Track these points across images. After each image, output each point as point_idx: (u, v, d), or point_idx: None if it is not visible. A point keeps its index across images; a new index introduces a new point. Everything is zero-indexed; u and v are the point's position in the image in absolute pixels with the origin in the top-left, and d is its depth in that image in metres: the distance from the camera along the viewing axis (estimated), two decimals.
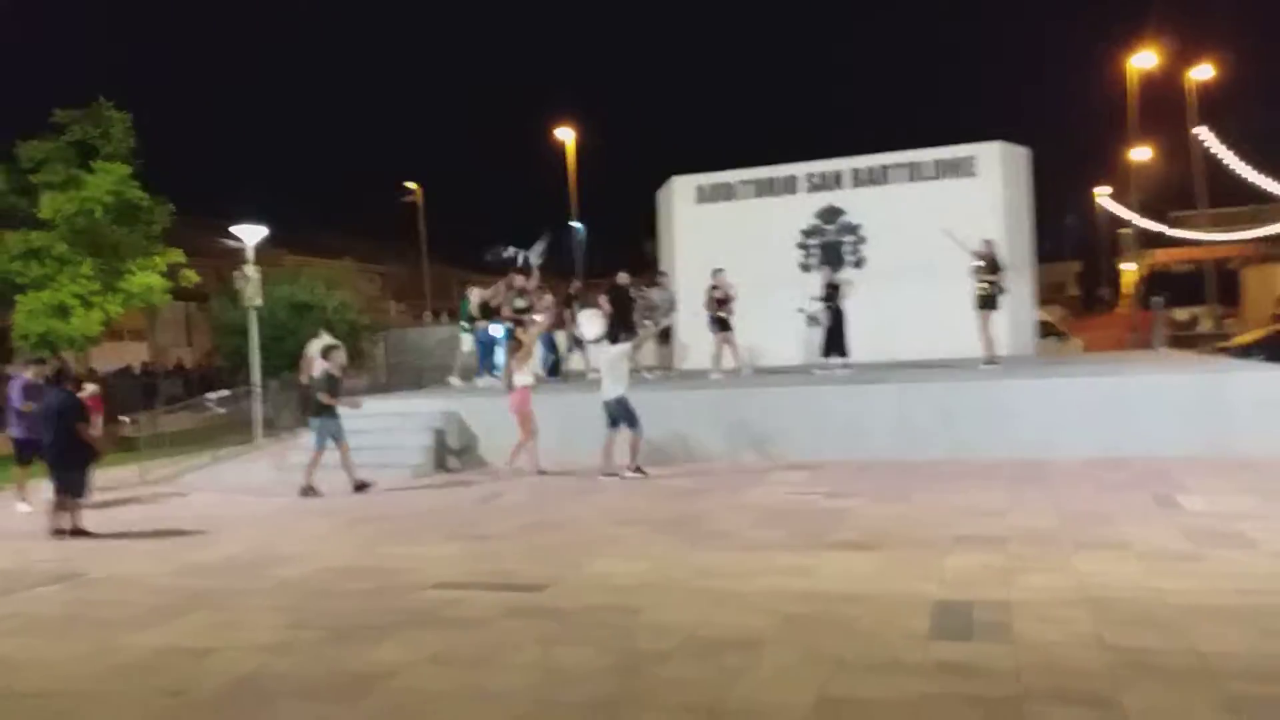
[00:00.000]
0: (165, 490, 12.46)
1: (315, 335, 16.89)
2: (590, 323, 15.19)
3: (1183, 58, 29.54)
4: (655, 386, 12.93)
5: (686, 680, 4.57)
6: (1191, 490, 8.81)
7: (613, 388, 10.87)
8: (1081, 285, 52.80)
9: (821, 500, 9.22)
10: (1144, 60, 27.63)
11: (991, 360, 12.57)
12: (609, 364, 11.07)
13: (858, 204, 17.84)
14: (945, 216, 15.85)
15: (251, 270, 17.62)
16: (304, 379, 16.30)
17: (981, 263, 12.62)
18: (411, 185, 38.87)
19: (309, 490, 10.89)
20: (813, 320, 13.96)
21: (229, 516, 10.07)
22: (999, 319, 12.97)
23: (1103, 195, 39.84)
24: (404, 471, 11.93)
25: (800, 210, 18.16)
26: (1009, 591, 5.84)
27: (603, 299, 15.10)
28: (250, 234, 17.79)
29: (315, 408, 11.08)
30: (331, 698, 4.53)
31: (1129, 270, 47.39)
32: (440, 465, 12.65)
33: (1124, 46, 29.05)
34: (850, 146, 18.48)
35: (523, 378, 11.65)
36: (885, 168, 17.74)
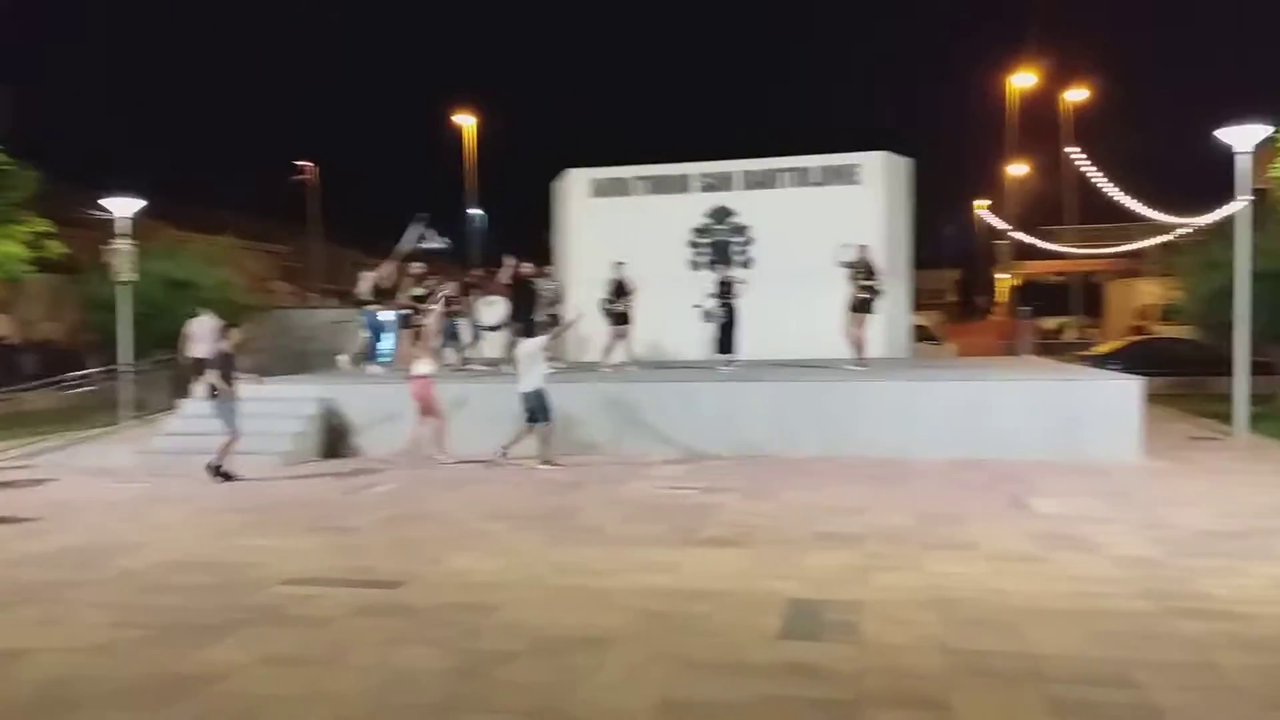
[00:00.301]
0: (13, 474, 11.70)
1: (194, 313, 16.38)
2: (490, 310, 14.86)
3: (1059, 79, 30.93)
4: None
5: (527, 683, 4.49)
6: (1043, 493, 9.20)
7: (529, 380, 10.90)
8: (960, 292, 54.81)
9: (696, 495, 9.28)
10: (1022, 80, 28.76)
11: (858, 362, 12.89)
12: (526, 356, 11.05)
13: (747, 206, 18.06)
14: (830, 221, 16.25)
15: (123, 244, 16.74)
16: (182, 358, 15.88)
17: (857, 268, 12.88)
18: (306, 163, 37.42)
19: (220, 472, 10.47)
20: (710, 316, 14.04)
21: (78, 502, 9.51)
22: (871, 323, 13.28)
23: (982, 207, 41.42)
24: (273, 459, 11.48)
25: (692, 209, 18.28)
26: (862, 591, 5.96)
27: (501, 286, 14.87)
28: (123, 206, 16.88)
29: (212, 389, 10.59)
30: (147, 703, 4.28)
31: (1005, 279, 49.44)
32: (322, 453, 12.24)
33: (1005, 65, 30.18)
34: (743, 149, 18.52)
35: (423, 365, 11.43)
36: (774, 171, 18.00)
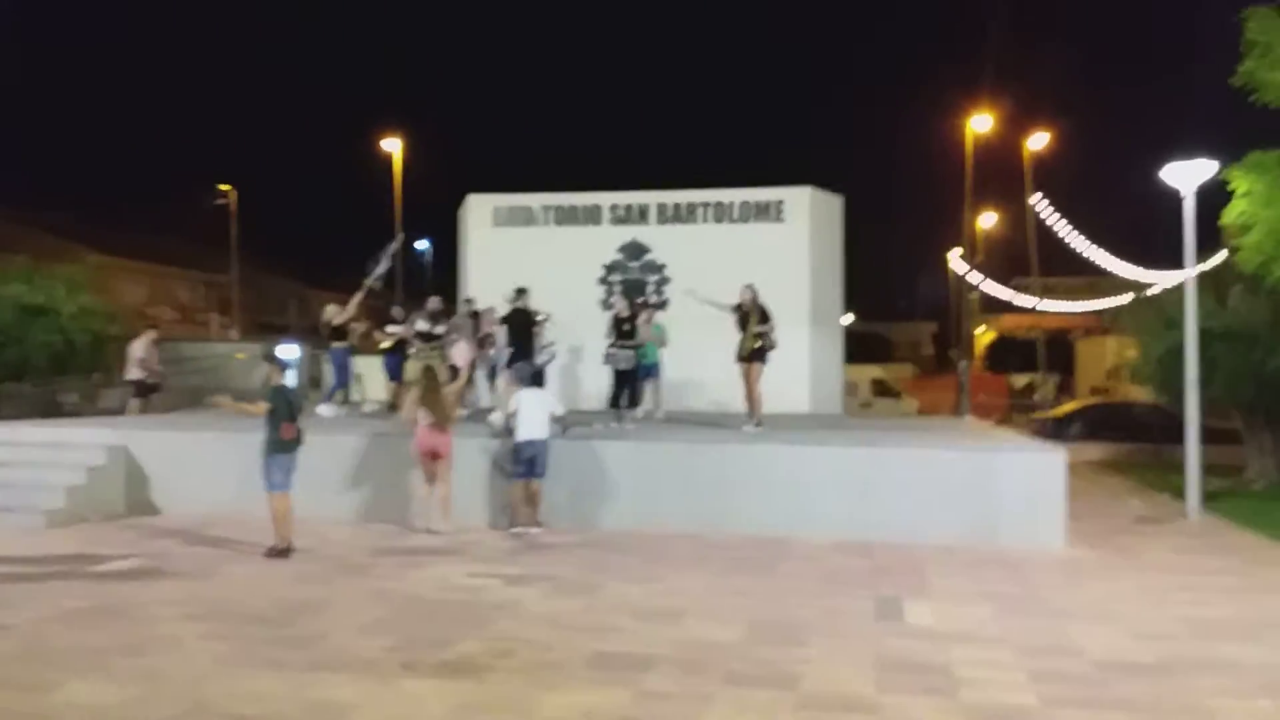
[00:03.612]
0: None
1: (140, 332, 15.28)
2: (455, 351, 12.97)
3: (1023, 125, 29.65)
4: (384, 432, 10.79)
5: None
6: (927, 591, 7.41)
7: (542, 427, 9.43)
8: (936, 345, 53.36)
9: (494, 587, 7.43)
10: (981, 123, 27.37)
11: (757, 421, 11.05)
12: (538, 399, 9.52)
13: (663, 241, 16.40)
14: (752, 261, 14.55)
15: None
16: (129, 377, 14.71)
17: (742, 312, 11.11)
18: (225, 187, 35.74)
19: (283, 549, 8.43)
20: (612, 359, 12.19)
21: None
22: (765, 374, 11.42)
23: (954, 258, 39.94)
24: (36, 518, 9.58)
25: (603, 243, 16.62)
26: None
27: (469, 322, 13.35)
28: None
29: (273, 443, 8.40)
30: None
31: (984, 333, 47.86)
32: (114, 511, 10.30)
33: (969, 109, 28.79)
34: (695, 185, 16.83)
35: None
36: (692, 205, 16.35)
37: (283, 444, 8.43)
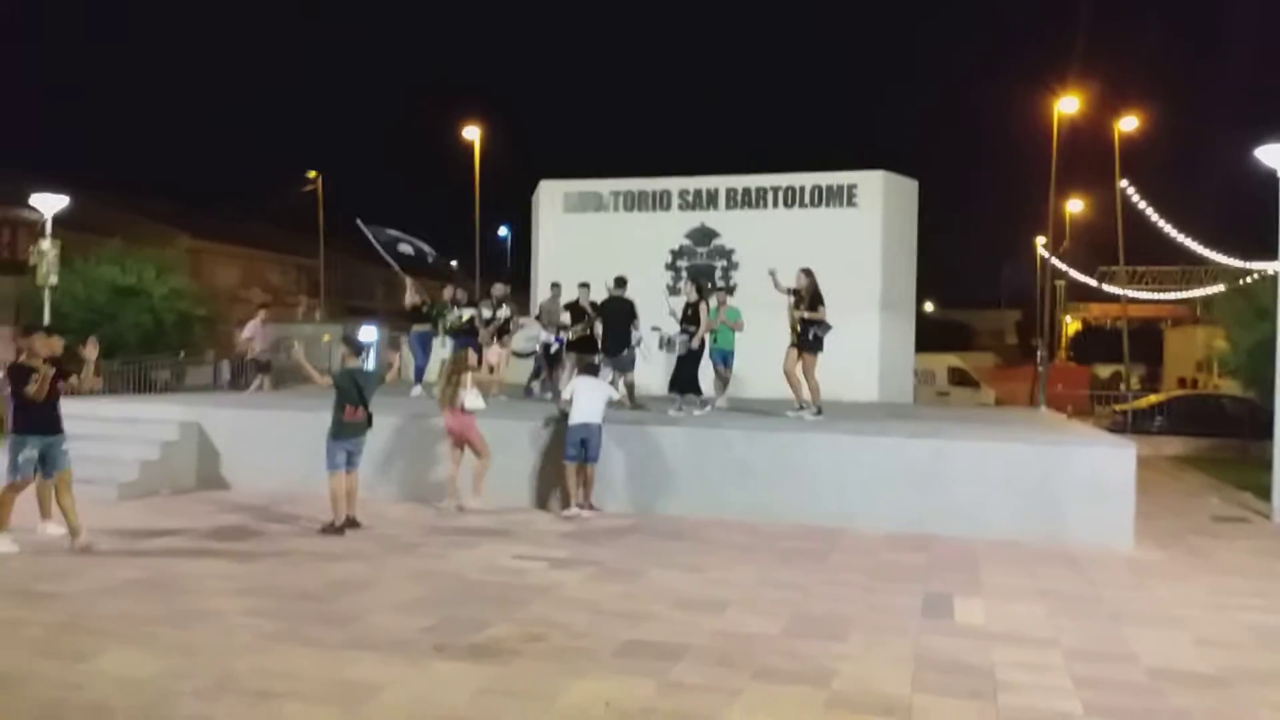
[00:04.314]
0: None
1: (255, 312, 15.78)
2: (521, 334, 13.17)
3: (1112, 106, 28.42)
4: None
5: None
6: (981, 589, 7.18)
7: (597, 412, 9.64)
8: (1020, 334, 51.85)
9: (538, 570, 7.45)
10: (1068, 105, 26.26)
11: (817, 410, 10.81)
12: (594, 386, 9.77)
13: (732, 226, 16.21)
14: (823, 247, 14.28)
15: (47, 245, 15.70)
16: (246, 351, 15.47)
17: (797, 296, 10.85)
18: (312, 173, 36.62)
19: (339, 526, 8.59)
20: (669, 344, 12.09)
21: None
22: (835, 362, 11.16)
23: (1041, 245, 38.66)
24: (110, 490, 9.95)
25: (672, 228, 16.52)
26: None
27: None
28: (49, 204, 15.84)
29: (336, 424, 8.66)
30: None
31: (1072, 323, 46.31)
32: (187, 484, 10.69)
33: (1055, 91, 27.68)
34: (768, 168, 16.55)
35: (477, 399, 9.76)
36: (762, 190, 16.11)
37: (345, 426, 8.65)
